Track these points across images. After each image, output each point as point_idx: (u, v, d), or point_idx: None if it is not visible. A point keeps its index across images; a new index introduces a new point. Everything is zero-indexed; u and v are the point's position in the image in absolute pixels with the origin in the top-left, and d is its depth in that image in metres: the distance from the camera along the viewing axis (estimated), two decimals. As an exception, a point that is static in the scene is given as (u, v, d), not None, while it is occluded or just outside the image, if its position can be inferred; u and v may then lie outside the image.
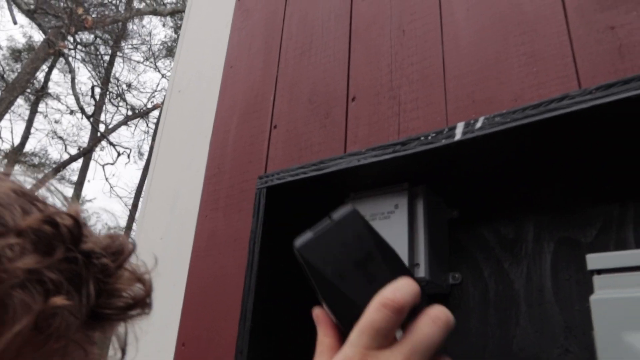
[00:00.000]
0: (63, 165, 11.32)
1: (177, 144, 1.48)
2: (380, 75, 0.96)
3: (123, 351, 0.43)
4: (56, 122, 11.95)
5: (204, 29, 1.60)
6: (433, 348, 0.37)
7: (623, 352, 0.50)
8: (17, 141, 11.00)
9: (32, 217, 0.35)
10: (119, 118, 12.08)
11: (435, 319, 0.38)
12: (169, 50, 11.88)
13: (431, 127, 0.83)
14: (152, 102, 11.96)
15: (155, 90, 12.43)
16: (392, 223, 0.77)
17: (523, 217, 0.77)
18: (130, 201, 11.97)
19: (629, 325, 0.50)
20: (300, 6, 1.20)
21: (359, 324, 0.38)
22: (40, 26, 10.04)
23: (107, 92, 11.64)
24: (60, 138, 11.83)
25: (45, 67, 10.58)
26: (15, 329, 0.32)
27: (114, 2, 11.40)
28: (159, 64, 12.30)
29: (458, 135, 0.67)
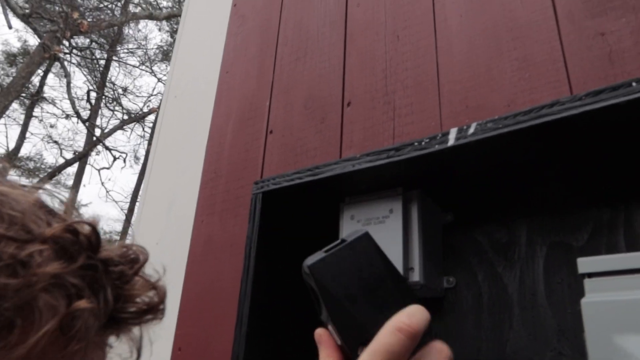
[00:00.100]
0: (58, 169, 11.28)
1: (173, 149, 1.48)
2: (375, 80, 0.97)
3: (138, 353, 0.45)
4: (51, 126, 11.92)
5: (200, 35, 1.61)
6: None
7: (613, 354, 0.50)
8: (12, 145, 10.96)
9: (55, 227, 0.38)
10: (114, 122, 12.06)
11: (441, 351, 0.40)
12: (165, 55, 11.88)
13: (425, 132, 0.83)
14: (148, 107, 11.95)
15: (151, 95, 12.43)
16: (387, 227, 0.78)
17: (516, 222, 0.78)
18: (126, 206, 11.94)
19: (619, 328, 0.51)
20: (296, 12, 1.21)
21: (371, 347, 0.38)
22: (35, 30, 10.03)
23: (103, 97, 11.62)
24: (56, 142, 11.80)
25: (40, 72, 10.56)
26: (43, 329, 0.34)
27: (109, 6, 11.40)
28: (155, 68, 12.30)
29: (451, 140, 0.68)
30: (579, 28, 0.75)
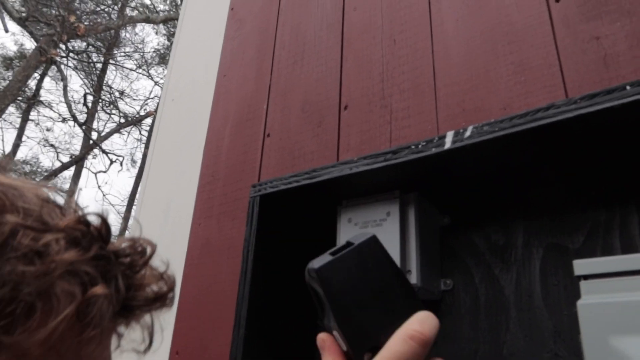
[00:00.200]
0: (55, 173, 11.25)
1: (170, 152, 1.48)
2: (372, 84, 0.97)
3: (151, 339, 0.46)
4: (48, 130, 11.89)
5: (197, 38, 1.61)
6: None
7: (609, 356, 0.51)
8: (8, 149, 10.93)
9: (69, 218, 0.40)
10: (111, 126, 12.04)
11: None
12: (162, 58, 11.88)
13: (422, 135, 0.84)
14: (145, 110, 11.94)
15: (148, 98, 12.41)
16: (384, 230, 0.78)
17: (512, 224, 0.79)
18: (123, 209, 11.91)
19: (615, 330, 0.51)
20: (293, 16, 1.22)
21: (382, 354, 0.38)
22: (32, 34, 10.01)
23: (100, 100, 11.60)
24: (52, 146, 11.77)
25: (37, 75, 10.54)
26: (62, 314, 0.35)
27: (106, 9, 11.40)
28: (152, 71, 12.30)
29: (448, 144, 0.68)
30: (574, 32, 0.76)
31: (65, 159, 11.73)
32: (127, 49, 12.18)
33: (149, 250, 0.45)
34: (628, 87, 0.56)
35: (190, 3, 1.77)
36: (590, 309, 0.53)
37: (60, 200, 0.43)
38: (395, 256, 0.75)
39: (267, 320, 0.85)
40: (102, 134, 11.88)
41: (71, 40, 10.41)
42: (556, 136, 0.66)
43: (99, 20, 11.02)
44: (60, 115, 11.46)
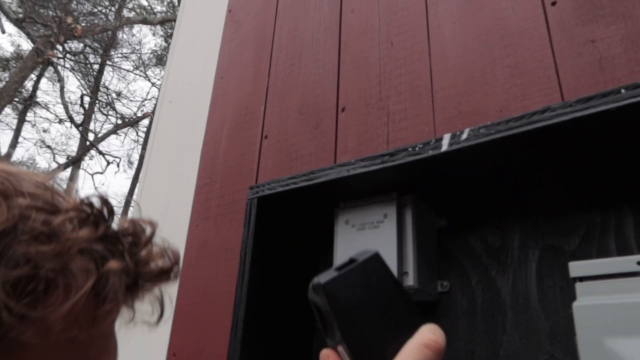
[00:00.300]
0: (51, 174, 11.19)
1: (168, 154, 1.48)
2: (370, 86, 0.98)
3: (161, 310, 0.49)
4: (44, 131, 11.85)
5: (195, 40, 1.62)
6: None
7: (604, 357, 0.51)
8: (4, 150, 10.89)
9: (73, 200, 0.42)
10: (108, 127, 12.02)
11: None
12: (159, 59, 11.86)
13: (419, 137, 0.84)
14: (142, 111, 11.91)
15: (145, 99, 12.39)
16: (381, 232, 0.79)
17: (509, 226, 0.79)
18: (120, 210, 11.88)
19: (610, 331, 0.52)
20: (290, 18, 1.22)
21: None
22: (28, 35, 9.99)
23: (97, 101, 11.58)
24: (49, 147, 11.74)
25: (33, 76, 10.52)
26: (82, 290, 0.37)
27: (103, 11, 11.39)
28: (149, 72, 12.28)
29: (444, 146, 0.69)
30: (570, 35, 0.76)
31: (62, 160, 11.71)
32: (124, 50, 12.17)
33: (150, 228, 0.47)
34: (623, 91, 0.57)
35: (187, 5, 1.77)
36: (586, 311, 0.53)
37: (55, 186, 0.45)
38: (392, 258, 0.76)
39: (264, 322, 0.85)
40: (99, 135, 11.85)
41: (68, 41, 10.39)
42: (552, 139, 0.66)
43: (96, 21, 11.01)
44: (57, 116, 11.44)
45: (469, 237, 0.83)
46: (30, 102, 10.90)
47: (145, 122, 11.50)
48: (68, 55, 10.91)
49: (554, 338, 0.70)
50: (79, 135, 11.40)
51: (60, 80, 10.57)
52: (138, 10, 11.71)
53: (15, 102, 10.51)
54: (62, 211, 0.40)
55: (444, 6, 0.94)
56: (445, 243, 0.85)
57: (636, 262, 0.53)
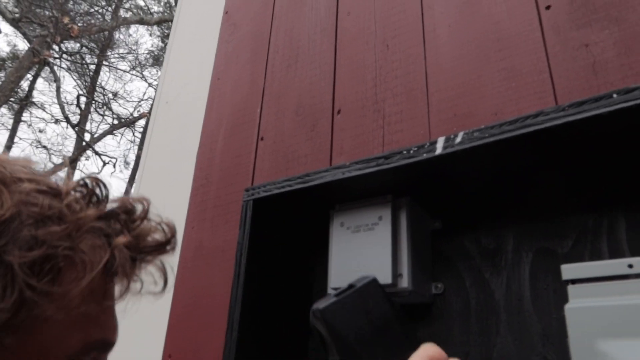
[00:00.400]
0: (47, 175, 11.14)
1: (164, 155, 1.48)
2: (365, 88, 0.98)
3: (165, 280, 0.51)
4: (40, 131, 11.81)
5: (192, 42, 1.62)
6: None
7: (596, 359, 0.51)
8: (0, 150, 10.85)
9: (72, 182, 0.44)
10: (104, 127, 11.98)
11: None
12: (156, 60, 11.84)
13: (415, 139, 0.85)
14: (138, 111, 11.89)
15: (142, 99, 12.36)
16: (376, 234, 0.79)
17: (503, 228, 0.80)
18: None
19: (601, 333, 0.52)
20: (287, 20, 1.22)
21: None
22: (25, 35, 9.96)
23: (93, 101, 11.55)
24: (45, 147, 11.69)
25: (30, 76, 10.48)
26: (97, 267, 0.40)
27: (100, 11, 11.36)
28: (146, 73, 12.27)
29: (439, 149, 0.69)
30: (564, 39, 0.77)
31: (58, 160, 11.66)
32: (121, 51, 12.14)
33: (144, 204, 0.49)
34: (615, 95, 0.57)
35: (184, 6, 1.78)
36: (578, 313, 0.54)
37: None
38: (387, 260, 0.76)
39: (260, 324, 0.86)
40: (95, 135, 11.82)
41: (65, 41, 10.36)
42: (545, 142, 0.67)
43: (92, 21, 10.98)
44: (53, 116, 11.40)
45: (463, 240, 0.83)
46: (26, 102, 10.86)
47: (142, 122, 11.48)
48: (64, 55, 10.87)
49: (546, 340, 0.70)
50: (75, 136, 11.36)
51: (57, 80, 10.54)
52: (135, 11, 11.69)
53: (11, 102, 10.47)
54: (64, 193, 0.41)
55: (440, 9, 0.94)
56: (439, 245, 0.86)
57: (627, 265, 0.53)
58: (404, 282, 0.76)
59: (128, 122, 11.92)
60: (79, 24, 10.23)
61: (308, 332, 0.96)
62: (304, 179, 0.83)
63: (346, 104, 0.99)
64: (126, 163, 12.45)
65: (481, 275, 0.79)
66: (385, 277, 0.75)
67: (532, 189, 0.79)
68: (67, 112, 10.84)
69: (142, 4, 11.84)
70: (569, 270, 0.56)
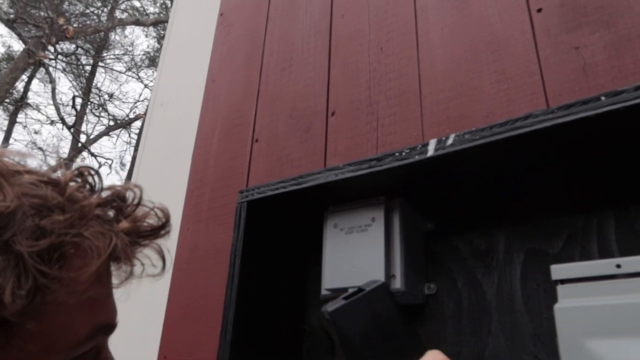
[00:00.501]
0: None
1: (159, 157, 1.49)
2: (359, 91, 0.99)
3: (163, 261, 0.53)
4: (36, 132, 11.79)
5: (187, 44, 1.62)
6: None
7: (585, 358, 0.52)
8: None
9: (69, 172, 0.46)
10: (100, 128, 11.95)
11: None
12: (152, 61, 11.82)
13: (408, 141, 0.86)
14: (134, 113, 11.86)
15: (138, 101, 12.34)
16: (369, 236, 0.80)
17: (494, 229, 0.81)
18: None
19: (590, 333, 0.53)
20: (282, 23, 1.23)
21: None
22: (20, 36, 9.93)
23: (89, 103, 11.52)
24: (40, 149, 11.65)
25: (25, 77, 10.45)
26: (104, 252, 0.41)
27: (95, 12, 11.34)
28: (142, 74, 12.24)
29: (430, 151, 0.70)
30: (555, 42, 0.78)
31: (53, 162, 11.60)
32: (117, 52, 12.12)
33: (137, 191, 0.51)
34: (603, 98, 0.58)
35: (179, 8, 1.78)
36: (567, 313, 0.55)
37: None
38: (380, 261, 0.77)
39: (254, 325, 0.86)
40: (91, 136, 11.79)
41: (60, 42, 10.34)
42: (535, 144, 0.68)
43: (88, 22, 10.95)
44: (48, 117, 11.36)
45: (456, 241, 0.84)
46: (22, 103, 10.82)
47: (138, 123, 11.46)
48: (60, 57, 10.84)
49: (537, 339, 0.71)
50: (70, 137, 11.33)
51: (52, 81, 10.51)
52: (130, 12, 11.67)
53: (6, 104, 10.43)
54: (63, 182, 0.43)
55: (433, 12, 0.95)
56: (432, 246, 0.86)
57: (615, 265, 0.54)
58: (397, 283, 0.77)
59: (124, 124, 11.89)
60: (75, 25, 10.20)
61: (302, 334, 0.97)
62: (297, 180, 0.83)
63: (340, 107, 1.00)
64: (122, 165, 12.42)
65: (473, 276, 0.80)
66: (378, 278, 0.75)
67: (523, 190, 0.80)
68: (62, 114, 10.81)
69: (137, 5, 11.83)
70: (558, 271, 0.57)
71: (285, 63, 1.16)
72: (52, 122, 11.31)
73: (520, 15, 0.83)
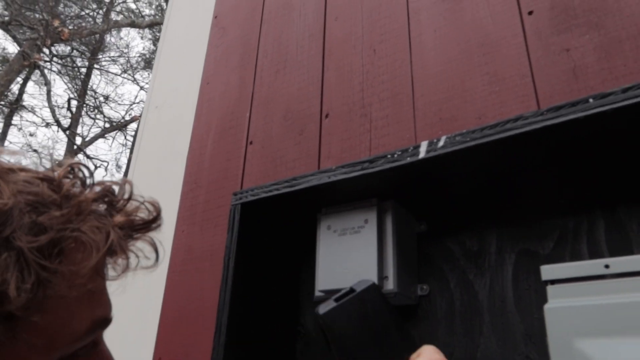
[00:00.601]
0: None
1: (154, 159, 1.49)
2: (353, 93, 0.99)
3: (157, 253, 0.54)
4: (31, 135, 11.74)
5: (181, 46, 1.62)
6: None
7: (574, 358, 0.53)
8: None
9: (61, 169, 0.46)
10: (96, 131, 11.92)
11: None
12: (147, 63, 11.80)
13: (401, 143, 0.86)
14: (130, 115, 11.84)
15: (134, 103, 12.31)
16: (362, 237, 0.80)
17: (486, 230, 0.81)
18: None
19: (579, 332, 0.53)
20: (276, 25, 1.23)
21: None
22: (15, 38, 9.90)
23: (84, 105, 11.49)
24: (35, 151, 11.61)
25: (20, 79, 10.41)
26: (103, 246, 0.43)
27: (91, 13, 11.31)
28: (137, 76, 12.20)
29: (422, 153, 0.71)
30: (546, 44, 0.79)
31: (49, 164, 11.53)
32: (112, 54, 12.09)
33: (128, 186, 0.52)
34: (591, 100, 0.59)
35: (174, 11, 1.78)
36: (556, 313, 0.55)
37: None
38: (373, 263, 0.77)
39: (247, 327, 0.86)
40: (87, 139, 11.75)
41: (55, 44, 10.31)
42: (525, 146, 0.68)
43: (83, 24, 10.93)
44: (43, 120, 11.32)
45: (448, 242, 0.84)
46: (17, 105, 10.78)
47: (134, 125, 11.43)
48: (55, 59, 10.81)
49: (528, 339, 0.71)
50: (66, 139, 11.29)
51: (47, 83, 10.48)
52: (126, 14, 11.65)
53: (1, 106, 10.39)
54: (57, 179, 0.44)
55: (426, 15, 0.96)
56: (424, 247, 0.87)
57: (604, 265, 0.55)
58: (390, 284, 0.77)
59: (120, 126, 11.86)
60: (70, 27, 10.18)
61: (296, 335, 0.97)
62: (290, 182, 0.84)
63: (334, 109, 1.01)
64: (118, 167, 12.38)
65: (465, 277, 0.80)
66: (371, 279, 0.75)
67: (515, 191, 0.81)
68: (57, 116, 10.78)
69: (133, 6, 11.81)
70: (548, 271, 0.58)
71: (280, 65, 1.16)
72: (48, 125, 11.27)
73: (511, 17, 0.84)
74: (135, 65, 12.02)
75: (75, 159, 0.50)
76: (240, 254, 0.86)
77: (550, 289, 0.57)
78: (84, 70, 11.59)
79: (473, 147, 0.66)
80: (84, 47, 11.50)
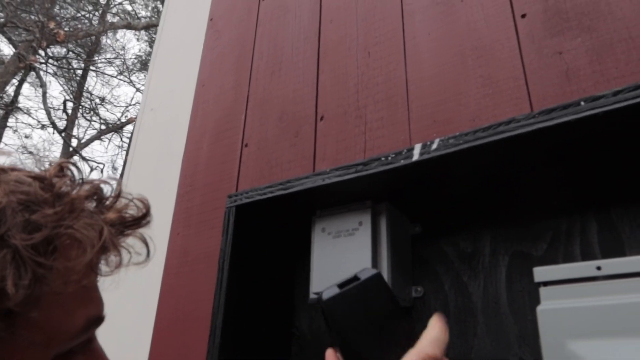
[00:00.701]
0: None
1: (149, 161, 1.49)
2: (348, 95, 1.00)
3: (147, 248, 0.55)
4: (26, 137, 11.69)
5: (177, 48, 1.62)
6: None
7: (567, 359, 0.53)
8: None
9: (52, 169, 0.47)
10: (92, 132, 11.88)
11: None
12: (143, 64, 11.77)
13: (395, 145, 0.86)
14: (126, 116, 11.81)
15: (130, 104, 12.28)
16: (357, 239, 0.80)
17: (480, 232, 0.81)
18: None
19: (571, 334, 0.54)
20: (271, 28, 1.24)
21: None
22: (10, 40, 9.87)
23: (80, 107, 11.46)
24: (31, 153, 11.56)
25: (15, 81, 10.38)
26: (97, 243, 0.43)
27: (87, 15, 11.29)
28: (133, 77, 12.17)
29: (416, 156, 0.71)
30: (539, 47, 0.79)
31: (46, 166, 11.47)
32: (108, 55, 12.07)
33: (116, 183, 0.52)
34: (582, 103, 0.59)
35: (169, 13, 1.78)
36: (549, 314, 0.55)
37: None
38: (367, 264, 0.77)
39: (242, 330, 0.86)
40: (82, 141, 11.72)
41: (51, 46, 10.28)
42: (518, 148, 0.69)
43: (79, 26, 10.91)
44: (39, 122, 11.27)
45: (442, 244, 0.85)
46: (12, 107, 10.74)
47: (130, 127, 11.40)
48: (50, 61, 10.78)
49: (522, 341, 0.72)
50: (61, 141, 11.26)
51: (43, 85, 10.44)
52: (122, 15, 11.63)
53: (-4, 108, 10.35)
54: (49, 178, 0.44)
55: (420, 17, 0.96)
56: (419, 249, 0.87)
57: (596, 267, 0.55)
58: (384, 286, 0.77)
59: (116, 127, 11.83)
60: (66, 29, 10.16)
61: (291, 337, 0.97)
62: (285, 185, 0.84)
63: (329, 111, 1.01)
64: (114, 169, 12.35)
65: (459, 279, 0.81)
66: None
67: (508, 193, 0.81)
68: (53, 118, 10.74)
69: (129, 8, 11.79)
70: (541, 273, 0.58)
71: (275, 67, 1.16)
72: (43, 127, 11.23)
73: (505, 20, 0.84)
74: (131, 67, 12.00)
75: (64, 158, 0.51)
76: (234, 256, 0.86)
77: (543, 290, 0.58)
78: (79, 72, 11.56)
79: (466, 149, 0.67)
80: (79, 49, 11.47)
